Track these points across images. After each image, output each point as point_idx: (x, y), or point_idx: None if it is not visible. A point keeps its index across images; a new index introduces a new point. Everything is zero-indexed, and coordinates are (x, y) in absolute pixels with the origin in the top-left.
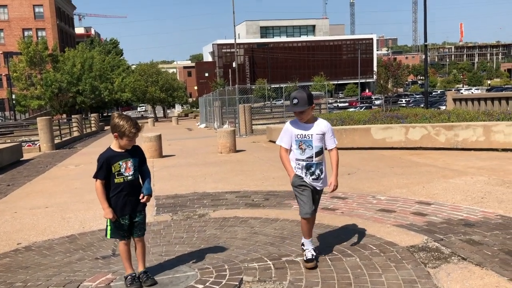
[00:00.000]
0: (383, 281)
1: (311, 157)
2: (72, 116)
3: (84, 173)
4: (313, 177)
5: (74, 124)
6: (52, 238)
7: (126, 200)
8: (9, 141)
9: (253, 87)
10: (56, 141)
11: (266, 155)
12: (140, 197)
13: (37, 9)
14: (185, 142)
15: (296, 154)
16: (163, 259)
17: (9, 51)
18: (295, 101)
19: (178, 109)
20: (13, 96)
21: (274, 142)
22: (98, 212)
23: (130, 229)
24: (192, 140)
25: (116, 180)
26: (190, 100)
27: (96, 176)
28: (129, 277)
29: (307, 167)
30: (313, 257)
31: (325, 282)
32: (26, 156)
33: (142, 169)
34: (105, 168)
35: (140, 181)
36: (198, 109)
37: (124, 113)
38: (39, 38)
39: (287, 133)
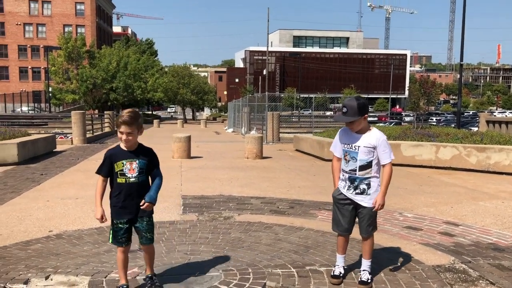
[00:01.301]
0: None
1: (354, 170)
2: (105, 112)
3: None
4: (357, 191)
5: (106, 120)
6: (82, 228)
7: (126, 204)
8: (43, 132)
9: (282, 95)
10: (88, 135)
11: (292, 163)
12: (141, 203)
13: (78, 7)
14: (212, 145)
15: (342, 164)
16: (188, 258)
17: (49, 46)
18: (345, 109)
19: (207, 112)
20: (50, 89)
21: (301, 151)
22: None
23: (129, 236)
24: (219, 144)
25: (118, 180)
26: (219, 104)
27: (98, 171)
28: (120, 286)
29: (351, 180)
30: (340, 274)
31: None
32: (58, 147)
33: (152, 174)
34: (107, 164)
35: (150, 184)
36: (226, 114)
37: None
38: (78, 35)
39: (338, 140)
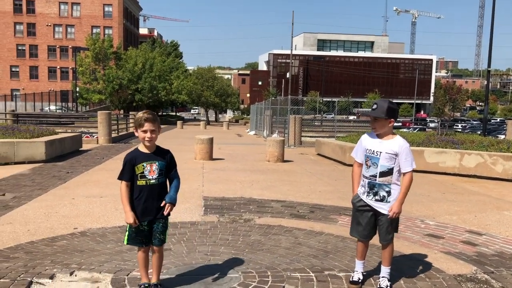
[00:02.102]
0: None
1: (375, 176)
2: (130, 112)
3: None
4: (376, 197)
5: (131, 120)
6: (105, 226)
7: (147, 205)
8: (70, 131)
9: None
10: (113, 135)
11: (313, 167)
12: (162, 204)
13: (106, 8)
14: (234, 147)
15: (363, 170)
16: (208, 259)
17: (77, 46)
18: (374, 106)
19: (229, 114)
20: (77, 89)
21: (323, 155)
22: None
23: (150, 237)
24: (241, 146)
25: (138, 183)
26: (242, 106)
27: (120, 177)
28: (142, 286)
29: (370, 186)
30: (359, 280)
31: None
32: (84, 146)
33: (170, 176)
34: (128, 168)
35: (168, 187)
36: (248, 116)
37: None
38: (106, 36)
39: (360, 145)
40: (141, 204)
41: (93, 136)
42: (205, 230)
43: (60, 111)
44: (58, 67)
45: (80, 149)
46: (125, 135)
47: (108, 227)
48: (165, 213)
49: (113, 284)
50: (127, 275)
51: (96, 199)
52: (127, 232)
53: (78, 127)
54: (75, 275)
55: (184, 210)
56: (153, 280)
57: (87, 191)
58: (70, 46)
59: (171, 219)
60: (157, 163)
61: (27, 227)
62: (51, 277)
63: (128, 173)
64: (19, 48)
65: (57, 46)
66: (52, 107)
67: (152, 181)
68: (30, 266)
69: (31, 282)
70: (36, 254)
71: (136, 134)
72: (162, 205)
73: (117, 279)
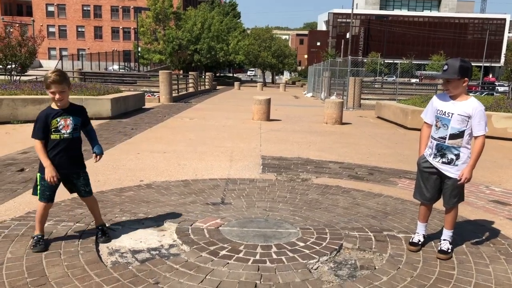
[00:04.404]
0: (489, 271)
1: (444, 138)
2: (189, 72)
3: (198, 126)
4: (443, 159)
5: (190, 81)
6: (169, 180)
7: (62, 160)
8: (133, 89)
9: (365, 60)
10: (173, 94)
11: (373, 130)
12: (93, 158)
13: None
14: (291, 109)
15: (432, 131)
16: (267, 214)
17: (139, 7)
18: (445, 67)
19: (286, 76)
20: (139, 49)
21: (383, 118)
22: (210, 164)
23: (55, 192)
24: (298, 108)
25: (52, 137)
26: (299, 68)
27: (33, 136)
28: (35, 237)
29: (438, 148)
30: (419, 242)
31: (426, 262)
32: (147, 105)
33: (87, 130)
34: (41, 126)
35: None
36: (306, 78)
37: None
38: None
39: (431, 106)
40: (56, 159)
41: (155, 95)
42: (264, 187)
43: (123, 70)
44: (120, 27)
45: (143, 107)
46: (184, 95)
47: (172, 180)
48: (95, 162)
49: (177, 232)
50: (191, 225)
51: (160, 154)
52: (38, 186)
53: (140, 86)
54: (143, 223)
55: (242, 168)
56: (96, 223)
57: (151, 146)
58: (131, 7)
59: (229, 175)
60: (71, 118)
61: (97, 178)
62: (122, 224)
63: (41, 131)
64: (84, 8)
65: (120, 6)
66: (115, 67)
67: (65, 135)
68: (102, 213)
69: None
70: (106, 202)
71: (47, 92)
72: (93, 158)
73: (181, 228)
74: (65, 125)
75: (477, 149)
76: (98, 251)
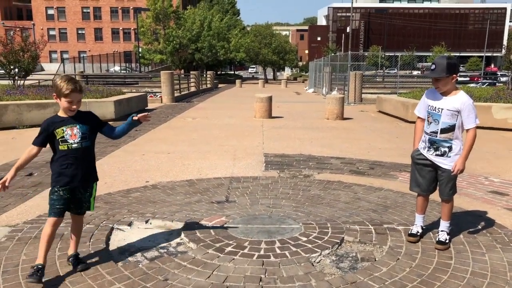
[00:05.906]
0: (486, 260)
1: (435, 132)
2: (191, 72)
3: (200, 126)
4: (437, 152)
5: (192, 80)
6: (174, 180)
7: (74, 173)
8: (135, 90)
9: (366, 54)
10: (175, 94)
11: (373, 125)
12: (141, 115)
13: None
14: (293, 105)
15: (424, 125)
16: (271, 211)
17: (138, 7)
18: (433, 66)
19: (287, 72)
20: (139, 50)
21: (384, 112)
22: (214, 163)
23: (69, 207)
24: (299, 104)
25: (60, 147)
26: (300, 63)
27: (33, 142)
28: (35, 267)
29: (431, 142)
30: (418, 233)
31: (425, 253)
32: (149, 105)
33: (104, 130)
34: (43, 134)
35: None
36: (307, 73)
37: (68, 74)
38: None
39: (423, 101)
40: (66, 171)
41: (157, 96)
42: (267, 185)
43: (125, 71)
44: (120, 28)
45: (146, 108)
46: (187, 94)
47: (177, 180)
48: (140, 118)
49: (184, 231)
50: (197, 224)
51: (164, 155)
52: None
53: (142, 87)
54: (150, 223)
55: (246, 166)
56: (71, 251)
57: (155, 147)
58: (131, 7)
59: (233, 173)
60: (78, 126)
61: (104, 180)
62: (129, 224)
63: (41, 139)
64: (84, 10)
65: (119, 7)
66: (117, 68)
67: (74, 145)
68: (110, 215)
69: (112, 228)
70: (114, 204)
71: (57, 101)
72: (142, 115)
73: (188, 226)
74: (72, 134)
75: (469, 141)
76: (108, 250)
